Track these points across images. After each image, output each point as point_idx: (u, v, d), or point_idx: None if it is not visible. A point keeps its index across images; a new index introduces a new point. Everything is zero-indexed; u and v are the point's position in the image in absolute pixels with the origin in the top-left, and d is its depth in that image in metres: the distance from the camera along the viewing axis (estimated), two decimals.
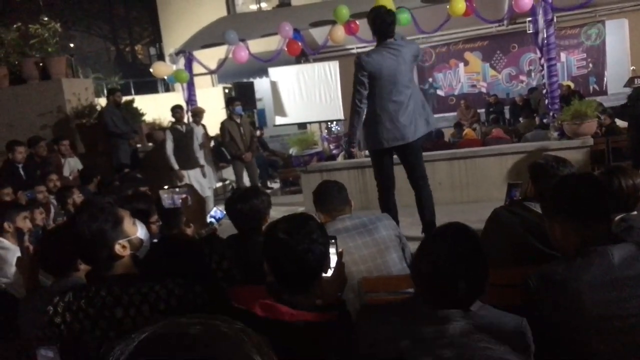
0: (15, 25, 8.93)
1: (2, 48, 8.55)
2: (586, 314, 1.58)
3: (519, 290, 1.82)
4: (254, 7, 16.85)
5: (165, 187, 2.43)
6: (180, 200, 2.29)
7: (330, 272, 1.76)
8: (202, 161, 7.50)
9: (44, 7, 8.90)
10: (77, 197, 5.25)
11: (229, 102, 8.44)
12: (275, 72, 10.83)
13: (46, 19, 8.63)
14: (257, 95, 13.99)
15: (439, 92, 13.64)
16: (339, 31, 7.63)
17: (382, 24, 4.24)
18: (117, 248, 1.82)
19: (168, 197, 2.35)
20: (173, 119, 7.54)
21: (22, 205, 4.27)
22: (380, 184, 4.56)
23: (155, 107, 9.41)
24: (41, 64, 8.34)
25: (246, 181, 7.94)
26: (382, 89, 4.27)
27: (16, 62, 8.47)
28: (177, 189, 2.37)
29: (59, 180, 6.18)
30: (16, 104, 8.23)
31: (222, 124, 7.95)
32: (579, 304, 1.58)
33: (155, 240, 3.16)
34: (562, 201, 1.69)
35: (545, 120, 8.99)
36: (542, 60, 7.27)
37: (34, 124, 8.06)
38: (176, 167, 7.25)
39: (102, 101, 8.34)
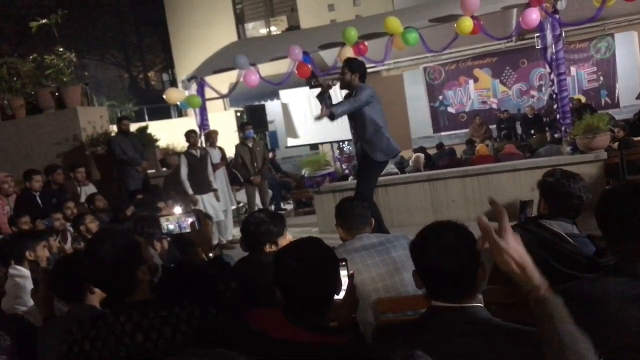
0: (31, 57, 9.14)
1: (19, 79, 8.74)
2: (621, 331, 1.55)
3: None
4: (263, 31, 17.11)
5: (165, 214, 2.46)
6: (188, 224, 2.32)
7: (342, 294, 1.77)
8: (215, 185, 7.55)
9: (59, 37, 9.07)
10: (90, 222, 5.29)
11: (241, 126, 8.60)
12: (286, 95, 10.97)
13: (61, 49, 8.81)
14: (269, 117, 14.12)
15: (450, 109, 13.65)
16: (348, 52, 7.70)
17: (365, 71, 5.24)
18: (139, 274, 1.84)
19: (174, 222, 2.39)
20: (187, 144, 7.63)
21: (42, 234, 4.32)
22: (371, 195, 5.11)
23: (168, 133, 9.53)
24: (57, 94, 8.50)
25: (258, 203, 8.02)
26: (380, 110, 5.11)
27: (32, 93, 8.65)
28: (184, 214, 2.41)
29: (76, 207, 6.26)
30: (33, 134, 8.38)
31: (236, 147, 8.12)
32: (613, 321, 1.55)
33: (161, 263, 3.21)
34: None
35: (556, 135, 8.96)
36: (552, 75, 7.27)
37: (50, 152, 8.19)
38: (190, 192, 7.30)
39: (117, 128, 8.46)
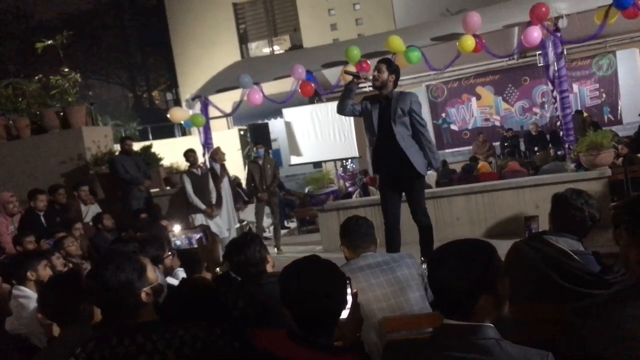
0: (36, 77, 9.23)
1: (24, 99, 8.81)
2: (635, 352, 1.52)
3: (542, 326, 1.78)
4: (266, 50, 17.27)
5: (176, 228, 2.46)
6: (196, 240, 2.32)
7: (346, 313, 1.76)
8: (214, 201, 7.60)
9: (64, 58, 9.16)
10: (69, 246, 5.21)
11: (254, 144, 8.86)
12: (289, 113, 11.00)
13: (66, 69, 8.90)
14: (272, 135, 14.17)
15: (453, 127, 13.68)
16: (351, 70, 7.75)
17: (399, 76, 4.87)
18: (143, 296, 1.84)
19: (182, 238, 2.38)
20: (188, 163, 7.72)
21: (43, 253, 4.31)
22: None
23: (172, 152, 9.56)
24: (62, 114, 8.56)
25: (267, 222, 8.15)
26: None
27: (37, 113, 8.71)
28: (192, 229, 2.41)
29: (83, 228, 6.27)
30: (38, 153, 8.42)
31: (247, 165, 8.42)
32: (629, 343, 1.53)
33: (169, 279, 3.19)
34: None
35: (560, 152, 8.96)
36: (555, 93, 7.29)
37: (55, 172, 8.22)
38: (203, 206, 7.46)
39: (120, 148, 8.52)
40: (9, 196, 6.61)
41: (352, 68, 4.90)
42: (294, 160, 12.83)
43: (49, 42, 9.04)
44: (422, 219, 4.84)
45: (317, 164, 13.55)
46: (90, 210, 7.26)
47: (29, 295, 3.67)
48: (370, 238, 2.77)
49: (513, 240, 2.46)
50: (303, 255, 1.83)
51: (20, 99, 8.76)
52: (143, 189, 7.84)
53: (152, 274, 1.92)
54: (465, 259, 1.53)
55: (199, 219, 7.39)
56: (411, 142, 4.73)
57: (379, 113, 4.77)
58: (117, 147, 8.62)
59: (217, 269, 2.30)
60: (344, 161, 12.09)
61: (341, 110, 4.88)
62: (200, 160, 8.16)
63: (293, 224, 10.72)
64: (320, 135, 11.00)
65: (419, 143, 4.76)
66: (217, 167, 7.95)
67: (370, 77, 4.82)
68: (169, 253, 3.12)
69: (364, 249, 2.71)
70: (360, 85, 5.16)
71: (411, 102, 4.68)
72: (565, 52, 7.35)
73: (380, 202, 5.09)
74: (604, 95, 12.44)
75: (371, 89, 5.10)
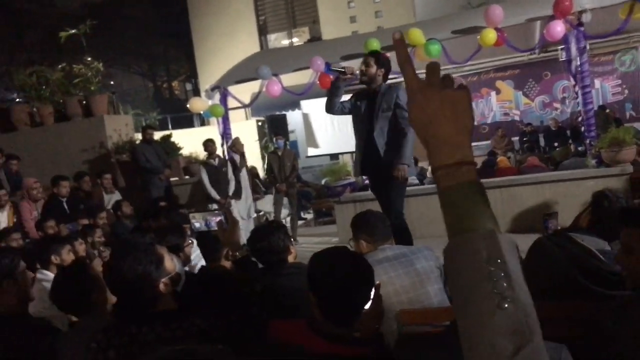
0: (60, 66, 9.35)
1: (48, 87, 8.94)
2: None
3: (563, 324, 1.78)
4: (285, 42, 17.25)
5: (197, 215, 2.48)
6: (216, 223, 2.34)
7: (368, 305, 1.78)
8: (231, 192, 7.67)
9: (87, 47, 9.27)
10: (98, 237, 5.29)
11: (274, 135, 8.84)
12: (307, 105, 11.02)
13: (89, 58, 9.01)
14: (290, 127, 14.21)
15: None
16: None
17: (390, 69, 4.58)
18: (161, 287, 1.85)
19: (201, 220, 2.41)
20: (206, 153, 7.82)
21: (67, 238, 4.39)
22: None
23: (191, 141, 9.64)
24: (84, 102, 8.69)
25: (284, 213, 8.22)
26: None
27: (61, 101, 8.85)
28: (211, 212, 2.43)
29: (107, 217, 6.38)
30: (60, 141, 8.56)
31: (267, 156, 8.54)
32: None
33: (186, 269, 3.24)
34: None
35: (580, 148, 8.85)
36: (577, 88, 7.20)
37: (77, 159, 8.36)
38: (217, 197, 7.55)
39: (141, 137, 8.62)
40: (32, 182, 6.74)
41: (337, 65, 4.63)
42: (311, 151, 12.86)
43: (73, 31, 9.15)
44: (395, 222, 4.22)
45: (334, 156, 13.56)
46: (113, 199, 7.38)
47: (51, 279, 3.75)
48: (388, 230, 2.76)
49: (531, 236, 2.45)
50: (319, 246, 1.86)
51: (44, 87, 8.90)
52: (163, 178, 7.94)
53: (170, 263, 1.93)
54: None
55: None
56: (390, 139, 4.39)
57: (365, 109, 4.53)
58: (138, 136, 8.72)
59: (237, 252, 2.31)
60: None
61: (329, 109, 4.67)
62: (219, 150, 8.22)
63: (309, 215, 10.76)
64: (338, 127, 11.01)
65: (402, 139, 4.37)
66: (237, 157, 8.00)
67: (357, 72, 4.58)
68: (190, 242, 3.16)
69: (382, 241, 2.69)
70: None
71: (397, 96, 4.37)
72: (588, 47, 7.25)
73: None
74: (626, 91, 12.25)
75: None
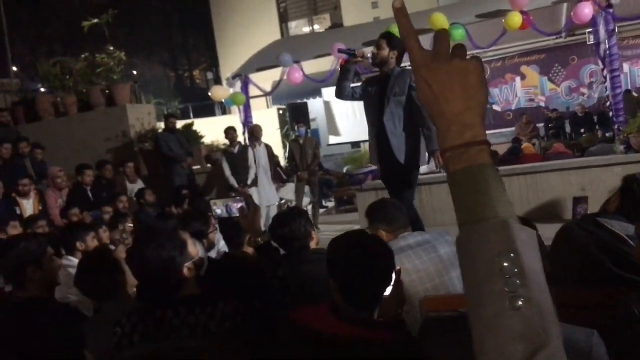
0: (82, 55, 9.45)
1: (71, 77, 9.06)
2: None
3: (590, 311, 1.73)
4: (306, 29, 17.17)
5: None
6: (237, 209, 2.34)
7: (388, 290, 1.75)
8: (250, 180, 7.68)
9: (109, 37, 9.35)
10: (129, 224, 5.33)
11: (296, 123, 9.02)
12: (328, 92, 10.96)
13: (111, 48, 9.08)
14: (311, 115, 14.16)
15: (495, 107, 13.36)
16: None
17: (404, 51, 4.20)
18: (185, 271, 1.86)
19: (222, 207, 2.41)
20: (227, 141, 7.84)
21: (91, 225, 4.45)
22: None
23: (213, 130, 9.69)
24: (107, 91, 8.77)
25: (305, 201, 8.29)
26: None
27: (84, 90, 8.95)
28: (233, 199, 2.43)
29: (128, 201, 6.45)
30: (84, 130, 8.67)
31: (289, 144, 8.57)
32: None
33: (213, 254, 3.25)
34: None
35: (608, 134, 8.65)
36: (605, 72, 7.02)
37: (100, 148, 8.46)
38: (236, 185, 7.56)
39: (163, 125, 8.68)
40: (57, 170, 6.84)
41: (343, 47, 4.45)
42: (332, 139, 12.81)
43: (95, 20, 9.23)
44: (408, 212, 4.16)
45: (356, 144, 13.49)
46: (135, 188, 7.45)
47: (76, 265, 3.81)
48: (406, 218, 2.72)
49: (556, 223, 2.39)
50: (340, 234, 1.84)
51: (67, 77, 9.01)
52: (185, 166, 8.00)
53: (193, 248, 1.95)
54: None
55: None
56: (402, 126, 4.20)
57: (376, 92, 4.32)
58: (160, 125, 8.79)
59: (259, 238, 2.32)
60: None
61: (339, 94, 4.47)
62: (239, 138, 8.24)
63: (331, 203, 10.75)
64: (359, 115, 10.86)
65: (418, 127, 4.21)
66: (256, 145, 8.00)
67: (369, 55, 4.36)
68: (214, 228, 3.16)
69: (403, 229, 2.65)
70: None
71: (411, 79, 4.03)
72: (616, 30, 7.05)
73: None
74: None
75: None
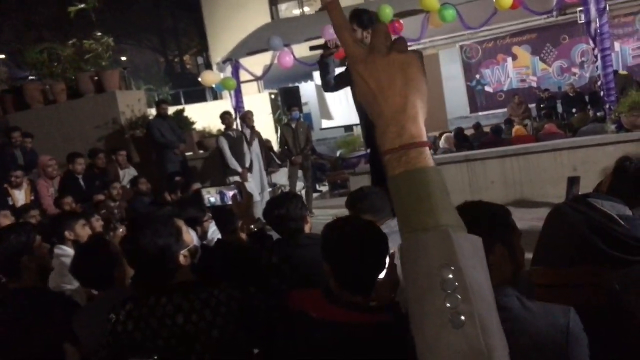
0: (70, 42, 9.32)
1: (59, 64, 8.93)
2: None
3: (580, 290, 1.75)
4: (297, 11, 17.00)
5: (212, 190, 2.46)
6: (230, 197, 2.33)
7: (382, 274, 1.76)
8: (247, 164, 7.65)
9: (97, 22, 9.22)
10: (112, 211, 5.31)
11: (288, 107, 8.77)
12: None
13: (99, 34, 8.96)
14: (303, 99, 14.10)
15: (487, 89, 13.36)
16: None
17: None
18: (181, 259, 1.87)
19: (216, 195, 2.39)
20: (223, 126, 7.75)
21: (79, 213, 4.43)
22: None
23: (204, 115, 9.62)
24: (96, 78, 8.67)
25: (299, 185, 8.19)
26: None
27: (72, 77, 8.84)
28: (226, 186, 2.41)
29: (122, 189, 6.42)
30: (73, 117, 8.58)
31: (280, 128, 8.39)
32: None
33: (204, 242, 3.25)
34: None
35: (599, 114, 8.67)
36: (596, 51, 7.01)
37: (91, 135, 8.39)
38: (239, 169, 7.45)
39: (154, 112, 8.61)
40: (48, 159, 6.79)
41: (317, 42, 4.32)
42: (325, 123, 12.78)
43: (81, 5, 9.09)
44: None
45: (348, 128, 13.47)
46: (127, 174, 7.42)
47: (69, 254, 3.79)
48: (389, 204, 2.70)
49: (549, 203, 2.41)
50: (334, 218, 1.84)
51: (55, 64, 8.89)
52: (178, 153, 7.96)
53: (187, 235, 1.95)
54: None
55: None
56: None
57: None
58: (151, 111, 8.72)
59: (252, 225, 2.31)
60: None
61: (327, 88, 4.35)
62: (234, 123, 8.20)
63: (324, 188, 10.76)
64: (352, 99, 10.85)
65: None
66: (247, 131, 7.96)
67: (338, 43, 4.07)
68: (208, 216, 3.15)
69: (388, 217, 2.62)
70: None
71: None
72: (607, 8, 7.03)
73: None
74: None
75: None
